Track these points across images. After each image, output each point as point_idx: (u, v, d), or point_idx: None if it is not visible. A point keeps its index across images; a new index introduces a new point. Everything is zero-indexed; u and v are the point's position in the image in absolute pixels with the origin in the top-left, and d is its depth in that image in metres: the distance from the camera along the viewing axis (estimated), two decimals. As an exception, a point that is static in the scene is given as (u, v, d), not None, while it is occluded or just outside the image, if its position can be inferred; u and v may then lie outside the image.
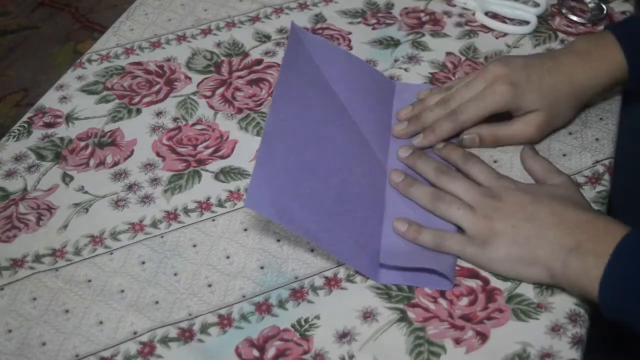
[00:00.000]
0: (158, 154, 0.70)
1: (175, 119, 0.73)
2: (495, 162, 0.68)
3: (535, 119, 0.67)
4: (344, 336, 0.56)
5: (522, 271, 0.58)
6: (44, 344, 0.57)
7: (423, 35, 0.81)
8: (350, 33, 0.82)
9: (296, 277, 0.60)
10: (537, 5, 0.83)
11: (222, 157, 0.70)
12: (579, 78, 0.67)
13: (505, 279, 0.59)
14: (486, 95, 0.66)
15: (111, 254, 0.62)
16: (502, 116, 0.67)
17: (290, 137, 0.60)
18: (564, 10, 0.83)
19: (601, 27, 0.81)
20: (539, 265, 0.57)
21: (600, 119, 0.71)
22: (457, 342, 0.55)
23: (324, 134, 0.64)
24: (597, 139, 0.69)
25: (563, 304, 0.57)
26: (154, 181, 0.68)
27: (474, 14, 0.83)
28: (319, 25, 0.83)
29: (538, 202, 0.59)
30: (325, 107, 0.66)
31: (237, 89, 0.76)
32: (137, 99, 0.76)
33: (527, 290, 0.58)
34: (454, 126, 0.66)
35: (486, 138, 0.68)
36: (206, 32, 0.83)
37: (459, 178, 0.63)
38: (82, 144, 0.72)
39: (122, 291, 0.60)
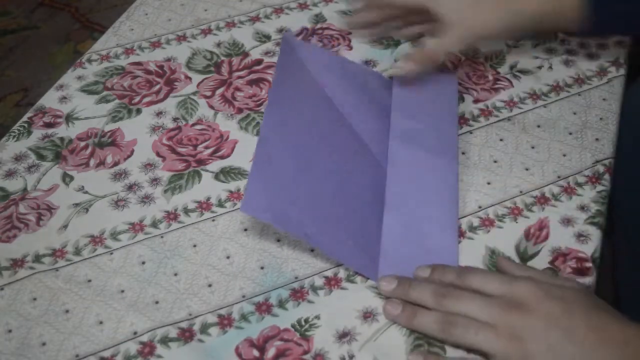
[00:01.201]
0: (158, 154, 0.70)
1: (175, 119, 0.73)
2: (495, 162, 0.68)
3: (455, 31, 0.66)
4: (344, 336, 0.56)
5: None
6: (44, 344, 0.57)
7: (423, 35, 0.81)
8: (350, 33, 0.82)
9: (296, 277, 0.60)
10: (537, 5, 0.83)
11: (222, 157, 0.70)
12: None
13: None
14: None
15: (111, 254, 0.62)
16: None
17: (285, 141, 0.61)
18: (564, 10, 0.83)
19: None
20: None
21: (600, 119, 0.71)
22: (457, 342, 0.55)
23: (319, 137, 0.64)
24: (597, 139, 0.69)
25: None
26: (154, 181, 0.68)
27: (474, 14, 0.83)
28: (319, 25, 0.83)
29: (571, 312, 0.50)
30: (320, 111, 0.67)
31: (237, 89, 0.76)
32: (137, 99, 0.76)
33: (527, 291, 0.58)
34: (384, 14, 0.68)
35: (417, 58, 0.68)
36: (206, 32, 0.83)
37: (464, 295, 0.53)
38: (82, 144, 0.72)
39: (122, 291, 0.60)
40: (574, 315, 0.50)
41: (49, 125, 0.74)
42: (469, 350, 0.52)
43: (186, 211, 0.65)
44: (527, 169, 0.67)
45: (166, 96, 0.76)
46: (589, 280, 0.58)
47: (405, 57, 0.70)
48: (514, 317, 0.51)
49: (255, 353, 0.55)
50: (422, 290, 0.55)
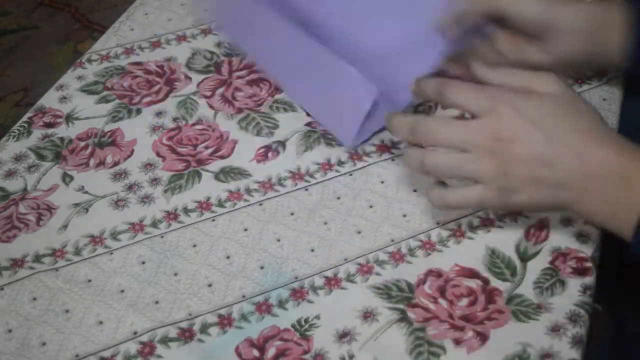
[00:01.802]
0: (158, 154, 0.70)
1: (175, 119, 0.73)
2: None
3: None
4: (344, 336, 0.56)
5: (552, 210, 0.56)
6: (44, 344, 0.57)
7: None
8: (350, 33, 0.82)
9: (296, 277, 0.60)
10: (537, 5, 0.83)
11: (222, 157, 0.70)
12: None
13: (505, 278, 0.58)
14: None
15: (111, 254, 0.62)
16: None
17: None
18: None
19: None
20: (580, 207, 0.52)
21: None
22: (457, 342, 0.55)
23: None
24: (597, 139, 0.69)
25: (563, 304, 0.57)
26: (154, 181, 0.68)
27: (474, 14, 0.83)
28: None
29: (555, 139, 0.51)
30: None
31: (237, 89, 0.76)
32: (137, 99, 0.76)
33: (527, 291, 0.58)
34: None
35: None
36: (206, 32, 0.83)
37: (453, 123, 0.55)
38: (82, 144, 0.72)
39: (122, 291, 0.60)
40: (557, 141, 0.51)
41: (49, 125, 0.74)
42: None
43: (186, 211, 0.65)
44: (527, 169, 0.67)
45: (166, 96, 0.76)
46: (588, 280, 0.58)
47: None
48: (498, 145, 0.51)
49: (255, 353, 0.55)
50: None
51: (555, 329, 0.55)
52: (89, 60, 0.81)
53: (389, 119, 0.57)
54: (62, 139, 0.72)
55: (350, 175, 0.67)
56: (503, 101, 0.52)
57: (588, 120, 0.53)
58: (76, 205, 0.66)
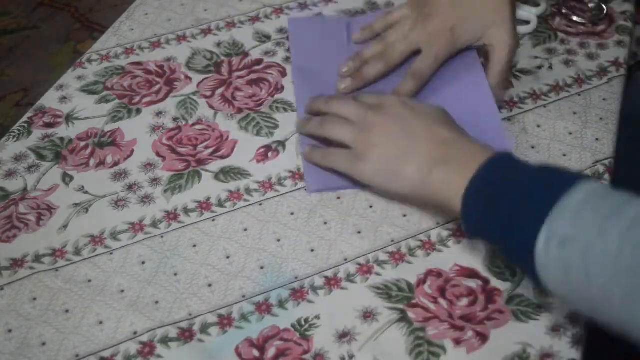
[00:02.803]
0: (158, 154, 0.70)
1: (175, 119, 0.73)
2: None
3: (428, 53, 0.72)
4: (344, 336, 0.56)
5: (390, 184, 0.61)
6: (44, 344, 0.57)
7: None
8: (350, 33, 0.82)
9: (296, 277, 0.60)
10: (537, 5, 0.83)
11: (222, 157, 0.70)
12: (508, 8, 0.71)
13: (505, 278, 0.59)
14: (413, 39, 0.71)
15: (111, 254, 0.62)
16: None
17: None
18: (564, 10, 0.83)
19: (601, 27, 0.81)
20: (405, 177, 0.59)
21: (600, 118, 0.71)
22: (457, 342, 0.55)
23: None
24: (597, 139, 0.69)
25: (563, 304, 0.57)
26: (154, 181, 0.68)
27: (474, 14, 0.83)
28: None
29: (417, 117, 0.62)
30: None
31: (237, 89, 0.76)
32: (137, 99, 0.76)
33: (527, 291, 0.58)
34: (385, 66, 0.73)
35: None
36: (206, 32, 0.83)
37: (347, 100, 0.66)
38: (82, 144, 0.72)
39: (122, 291, 0.60)
40: (418, 119, 0.61)
41: (49, 125, 0.74)
42: (336, 144, 0.64)
43: (186, 211, 0.65)
44: (527, 169, 0.67)
45: (166, 96, 0.76)
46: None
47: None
48: (369, 115, 0.63)
49: (255, 353, 0.55)
50: (319, 98, 0.70)
51: (555, 329, 0.55)
52: (89, 60, 0.81)
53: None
54: (62, 139, 0.72)
55: (350, 175, 0.67)
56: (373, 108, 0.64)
57: (432, 116, 0.63)
58: (76, 205, 0.66)
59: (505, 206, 0.52)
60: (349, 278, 0.60)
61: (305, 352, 0.55)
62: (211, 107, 0.75)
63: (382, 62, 0.72)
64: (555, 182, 0.51)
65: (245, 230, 0.63)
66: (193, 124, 0.73)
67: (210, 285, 0.60)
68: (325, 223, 0.64)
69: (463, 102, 0.70)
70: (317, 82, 0.74)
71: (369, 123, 0.62)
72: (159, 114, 0.74)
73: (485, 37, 0.71)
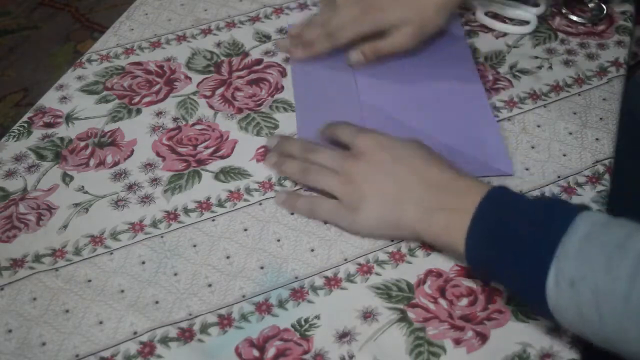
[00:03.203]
0: (158, 154, 0.70)
1: (175, 119, 0.73)
2: (495, 162, 0.68)
3: (406, 31, 0.73)
4: (344, 336, 0.56)
5: (392, 233, 0.61)
6: (44, 344, 0.57)
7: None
8: (350, 33, 0.82)
9: (296, 277, 0.60)
10: (537, 5, 0.83)
11: (222, 157, 0.70)
12: None
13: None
14: (360, 21, 0.74)
15: (111, 254, 0.62)
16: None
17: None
18: (564, 10, 0.83)
19: (601, 27, 0.81)
20: (406, 227, 0.59)
21: (600, 118, 0.71)
22: (457, 342, 0.55)
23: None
24: (597, 139, 0.69)
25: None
26: (154, 181, 0.68)
27: (474, 14, 0.83)
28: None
29: (398, 160, 0.61)
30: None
31: (237, 89, 0.76)
32: (137, 99, 0.76)
33: (527, 291, 0.58)
34: (330, 45, 0.75)
35: (368, 53, 0.75)
36: (206, 32, 0.83)
37: (324, 149, 0.65)
38: (82, 144, 0.72)
39: (122, 291, 0.60)
40: (400, 163, 0.60)
41: (49, 125, 0.74)
42: (322, 192, 0.63)
43: (186, 211, 0.65)
44: (527, 169, 0.67)
45: (166, 96, 0.76)
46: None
47: (353, 51, 0.76)
48: (350, 164, 0.62)
49: (255, 353, 0.55)
50: (293, 143, 0.68)
51: (555, 329, 0.55)
52: (89, 60, 0.81)
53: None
54: (62, 139, 0.72)
55: (350, 175, 0.67)
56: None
57: (415, 152, 0.62)
58: (76, 205, 0.66)
59: (510, 249, 0.52)
60: (349, 278, 0.60)
61: (305, 352, 0.55)
62: (211, 107, 0.75)
63: (328, 43, 0.75)
64: (555, 220, 0.50)
65: (245, 230, 0.63)
66: (193, 124, 0.73)
67: (210, 285, 0.60)
68: (326, 223, 0.64)
69: (456, 105, 0.72)
70: (319, 94, 0.75)
71: (351, 173, 0.61)
72: (159, 114, 0.74)
73: (395, 29, 0.73)
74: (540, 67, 0.77)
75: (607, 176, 0.66)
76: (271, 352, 0.55)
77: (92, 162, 0.70)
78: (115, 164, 0.70)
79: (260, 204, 0.65)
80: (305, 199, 0.64)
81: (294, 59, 0.76)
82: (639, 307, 0.45)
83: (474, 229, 0.54)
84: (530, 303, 0.54)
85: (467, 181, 0.58)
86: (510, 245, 0.52)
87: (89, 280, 0.60)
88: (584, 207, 0.51)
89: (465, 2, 0.81)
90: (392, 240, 0.61)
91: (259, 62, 0.79)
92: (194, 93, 0.76)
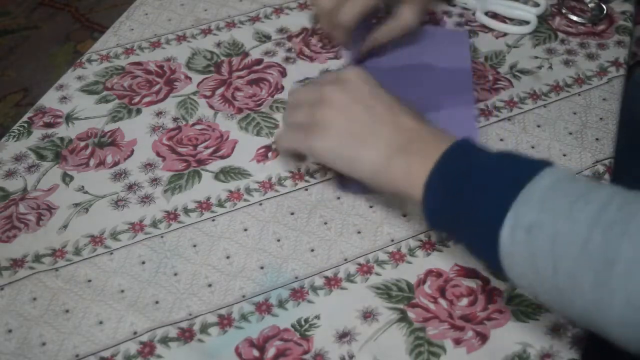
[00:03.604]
0: (158, 154, 0.70)
1: (175, 119, 0.73)
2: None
3: (411, 6, 0.73)
4: (344, 336, 0.56)
5: (347, 166, 0.58)
6: (44, 344, 0.57)
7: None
8: (350, 33, 0.82)
9: (296, 277, 0.60)
10: (537, 5, 0.83)
11: (222, 157, 0.70)
12: None
13: (505, 278, 0.58)
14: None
15: (111, 254, 0.62)
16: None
17: None
18: (564, 10, 0.83)
19: (601, 27, 0.81)
20: (364, 161, 0.57)
21: (600, 118, 0.71)
22: (457, 342, 0.55)
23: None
24: (597, 139, 0.69)
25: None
26: (154, 181, 0.68)
27: (474, 14, 0.83)
28: (319, 25, 0.83)
29: (379, 98, 0.59)
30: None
31: (237, 89, 0.76)
32: (137, 99, 0.76)
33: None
34: (336, 27, 0.71)
35: (380, 37, 0.74)
36: (206, 32, 0.83)
37: (309, 85, 0.66)
38: (82, 144, 0.72)
39: (122, 291, 0.60)
40: (381, 101, 0.58)
41: (49, 125, 0.74)
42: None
43: (186, 211, 0.65)
44: (527, 169, 0.67)
45: (166, 96, 0.76)
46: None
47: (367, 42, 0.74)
48: (327, 89, 0.59)
49: (255, 353, 0.55)
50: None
51: (555, 329, 0.55)
52: (89, 60, 0.81)
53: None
54: (62, 139, 0.72)
55: (350, 175, 0.67)
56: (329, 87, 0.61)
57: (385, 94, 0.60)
58: (76, 205, 0.66)
59: (468, 194, 0.50)
60: (349, 278, 0.60)
61: (305, 352, 0.55)
62: (211, 107, 0.75)
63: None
64: (520, 169, 0.49)
65: (245, 230, 0.63)
66: (193, 124, 0.73)
67: (210, 285, 0.60)
68: (325, 223, 0.64)
69: (441, 82, 0.74)
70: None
71: (325, 98, 0.59)
72: (159, 114, 0.74)
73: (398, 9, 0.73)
74: (540, 67, 0.77)
75: (607, 176, 0.66)
76: (271, 352, 0.55)
77: (92, 162, 0.70)
78: (115, 164, 0.70)
79: (260, 204, 0.65)
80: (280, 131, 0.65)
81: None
82: (596, 252, 0.43)
83: (433, 177, 0.52)
84: (479, 252, 0.52)
85: (437, 132, 0.56)
86: (468, 192, 0.50)
87: (89, 280, 0.60)
88: (549, 162, 0.49)
89: None
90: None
91: (259, 62, 0.79)
92: (194, 93, 0.76)
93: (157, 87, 0.77)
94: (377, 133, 0.56)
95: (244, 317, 0.57)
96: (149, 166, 0.69)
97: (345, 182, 0.65)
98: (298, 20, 0.84)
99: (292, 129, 0.62)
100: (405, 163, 0.54)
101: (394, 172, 0.55)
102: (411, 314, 0.57)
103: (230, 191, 0.67)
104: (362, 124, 0.57)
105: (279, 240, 0.63)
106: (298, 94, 0.64)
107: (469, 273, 0.59)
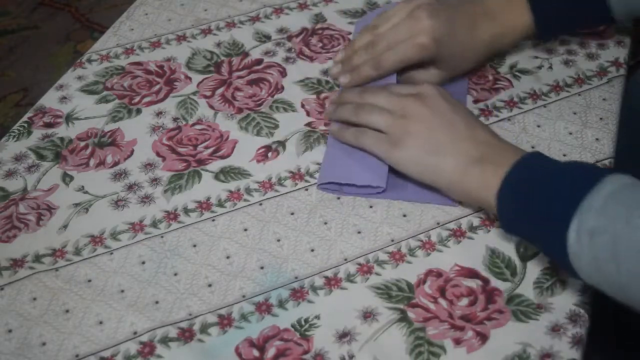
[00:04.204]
0: (158, 154, 0.70)
1: (175, 119, 0.73)
2: (495, 162, 0.68)
3: (440, 73, 0.72)
4: (344, 336, 0.56)
5: (427, 176, 0.62)
6: (44, 344, 0.57)
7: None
8: (350, 33, 0.82)
9: (296, 277, 0.60)
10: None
11: (222, 157, 0.70)
12: (488, 37, 0.71)
13: (505, 278, 0.59)
14: (407, 48, 0.69)
15: (111, 254, 0.62)
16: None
17: None
18: (564, 10, 0.83)
19: (602, 27, 0.81)
20: (443, 172, 0.60)
21: (600, 118, 0.71)
22: (457, 342, 0.55)
23: None
24: (597, 139, 0.69)
25: (563, 304, 0.57)
26: (154, 181, 0.68)
27: (474, 14, 0.83)
28: (319, 25, 0.83)
29: (457, 112, 0.62)
30: None
31: (237, 89, 0.76)
32: (137, 99, 0.76)
33: (527, 291, 0.58)
34: (376, 73, 0.71)
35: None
36: (206, 32, 0.83)
37: (383, 90, 0.66)
38: (82, 144, 0.72)
39: (122, 291, 0.60)
40: (458, 114, 0.62)
41: (49, 125, 0.74)
42: (371, 128, 0.64)
43: (186, 211, 0.65)
44: (527, 169, 0.67)
45: (166, 96, 0.76)
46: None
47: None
48: (410, 102, 0.63)
49: (255, 353, 0.55)
50: (353, 89, 0.70)
51: (555, 329, 0.55)
52: (89, 60, 0.81)
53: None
54: (62, 139, 0.72)
55: (350, 175, 0.67)
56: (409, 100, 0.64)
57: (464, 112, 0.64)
58: (76, 205, 0.66)
59: (537, 203, 0.54)
60: (349, 278, 0.60)
61: (305, 352, 0.55)
62: (211, 107, 0.75)
63: (373, 70, 0.71)
64: (584, 177, 0.53)
65: (245, 230, 0.63)
66: (193, 124, 0.73)
67: (210, 285, 0.60)
68: (325, 223, 0.64)
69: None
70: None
71: (407, 111, 0.63)
72: (159, 114, 0.74)
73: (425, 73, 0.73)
74: (540, 67, 0.77)
75: (607, 176, 0.66)
76: (271, 352, 0.55)
77: (92, 162, 0.70)
78: (115, 164, 0.70)
79: (261, 204, 0.65)
80: (354, 129, 0.65)
81: (342, 85, 0.72)
82: None
83: (505, 185, 0.56)
84: (553, 255, 0.55)
85: (510, 145, 0.61)
86: (538, 200, 0.54)
87: (89, 280, 0.60)
88: (614, 170, 0.53)
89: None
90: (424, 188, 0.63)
91: (259, 62, 0.79)
92: (194, 93, 0.76)
93: (157, 87, 0.77)
94: (456, 145, 0.60)
95: (244, 317, 0.57)
96: (149, 166, 0.69)
97: (342, 186, 0.65)
98: (298, 20, 0.84)
99: (366, 130, 0.65)
100: (480, 172, 0.58)
101: (469, 180, 0.59)
102: (411, 314, 0.57)
103: (230, 191, 0.67)
104: (443, 136, 0.61)
105: (279, 240, 0.63)
106: (366, 94, 0.67)
107: (469, 273, 0.59)
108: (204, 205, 0.65)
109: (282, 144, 0.70)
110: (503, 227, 0.58)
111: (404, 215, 0.64)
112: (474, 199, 0.60)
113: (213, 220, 0.64)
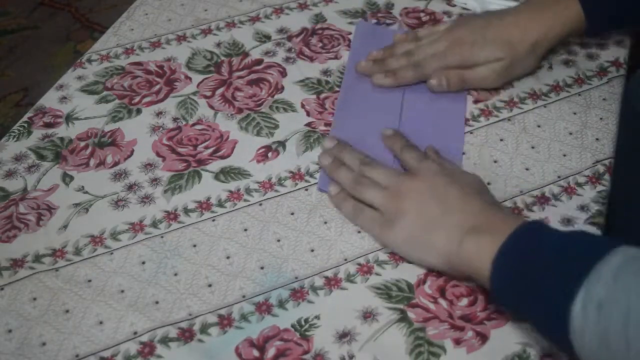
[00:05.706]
0: (158, 154, 0.70)
1: (175, 119, 0.73)
2: (495, 162, 0.68)
3: (495, 67, 0.72)
4: (344, 336, 0.56)
5: (418, 255, 0.59)
6: (44, 344, 0.57)
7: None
8: (350, 33, 0.82)
9: (296, 277, 0.60)
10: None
11: (222, 157, 0.70)
12: (535, 32, 0.71)
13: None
14: (447, 55, 0.73)
15: (111, 254, 0.62)
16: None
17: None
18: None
19: None
20: (434, 248, 0.58)
21: (600, 119, 0.71)
22: (457, 342, 0.55)
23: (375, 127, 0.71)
24: (597, 139, 0.69)
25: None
26: (154, 181, 0.68)
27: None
28: (319, 25, 0.83)
29: (451, 185, 0.60)
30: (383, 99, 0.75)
31: (237, 89, 0.76)
32: (137, 99, 0.76)
33: (527, 291, 0.58)
34: (415, 75, 0.73)
35: (453, 81, 0.73)
36: (206, 32, 0.83)
37: (381, 166, 0.65)
38: (82, 144, 0.72)
39: (122, 291, 0.60)
40: (452, 188, 0.60)
41: (49, 125, 0.74)
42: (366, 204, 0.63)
43: (186, 211, 0.65)
44: (527, 169, 0.67)
45: (166, 96, 0.76)
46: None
47: (437, 75, 0.74)
48: (406, 179, 0.62)
49: (255, 353, 0.55)
50: (353, 154, 0.67)
51: (555, 329, 0.55)
52: (89, 60, 0.81)
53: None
54: (62, 139, 0.72)
55: (350, 175, 0.67)
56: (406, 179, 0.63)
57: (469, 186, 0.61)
58: (76, 205, 0.66)
59: (537, 271, 0.50)
60: (349, 278, 0.60)
61: (305, 352, 0.55)
62: (211, 107, 0.75)
63: (413, 72, 0.74)
64: (591, 247, 0.49)
65: (245, 230, 0.63)
66: (193, 124, 0.73)
67: (210, 286, 0.60)
68: (325, 223, 0.64)
69: (436, 108, 0.73)
70: (364, 97, 0.74)
71: (401, 189, 0.61)
72: (159, 114, 0.74)
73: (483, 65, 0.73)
74: (540, 67, 0.77)
75: (607, 176, 0.66)
76: (271, 352, 0.55)
77: (92, 162, 0.70)
78: (115, 164, 0.70)
79: (260, 204, 0.65)
80: (352, 203, 0.63)
81: (377, 84, 0.74)
82: None
83: (501, 255, 0.52)
84: (548, 331, 0.51)
85: (507, 214, 0.58)
86: (539, 269, 0.50)
87: (89, 280, 0.60)
88: (620, 240, 0.49)
89: (562, 41, 0.75)
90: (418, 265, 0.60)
91: (259, 62, 0.79)
92: (194, 93, 0.76)
93: (157, 87, 0.77)
94: (446, 221, 0.58)
95: (244, 317, 0.57)
96: (149, 166, 0.69)
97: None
98: (298, 21, 0.84)
99: (363, 208, 0.63)
100: (476, 243, 0.55)
101: (465, 252, 0.55)
102: (411, 314, 0.57)
103: (230, 191, 0.67)
104: (434, 210, 0.59)
105: (279, 241, 0.63)
106: (365, 168, 0.65)
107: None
108: (204, 206, 0.66)
109: (282, 144, 0.71)
110: (494, 298, 0.55)
111: (404, 215, 0.64)
112: (467, 272, 0.56)
113: (213, 220, 0.64)
